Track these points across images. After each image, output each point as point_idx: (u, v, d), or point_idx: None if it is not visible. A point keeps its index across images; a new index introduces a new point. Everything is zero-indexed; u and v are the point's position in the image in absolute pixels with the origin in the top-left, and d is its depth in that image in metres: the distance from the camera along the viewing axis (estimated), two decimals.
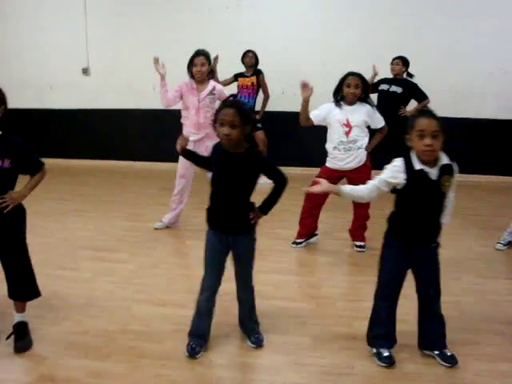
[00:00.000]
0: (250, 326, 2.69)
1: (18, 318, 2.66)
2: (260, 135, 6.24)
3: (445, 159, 2.31)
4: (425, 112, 2.37)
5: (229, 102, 2.44)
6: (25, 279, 2.60)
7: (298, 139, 6.52)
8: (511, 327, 2.86)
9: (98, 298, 3.17)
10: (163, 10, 6.76)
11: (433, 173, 2.29)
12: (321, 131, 4.05)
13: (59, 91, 7.14)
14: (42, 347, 2.62)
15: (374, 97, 5.70)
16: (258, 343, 2.64)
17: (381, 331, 2.54)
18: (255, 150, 2.47)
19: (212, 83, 4.31)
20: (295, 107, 6.49)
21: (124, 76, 6.87)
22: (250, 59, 6.14)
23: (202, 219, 4.62)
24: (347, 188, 2.55)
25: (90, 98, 7.02)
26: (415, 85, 5.82)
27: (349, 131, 3.82)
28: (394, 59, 5.81)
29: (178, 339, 2.66)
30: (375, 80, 5.88)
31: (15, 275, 2.57)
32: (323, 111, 3.91)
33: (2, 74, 7.38)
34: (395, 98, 5.78)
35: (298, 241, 4.14)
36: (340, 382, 2.40)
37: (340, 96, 3.86)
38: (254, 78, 6.15)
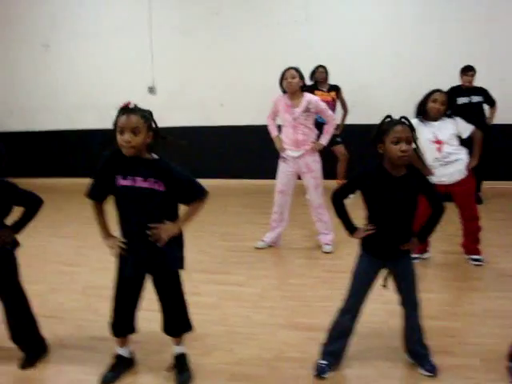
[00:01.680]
0: (421, 353, 2.54)
1: (177, 349, 2.58)
2: (340, 149, 6.15)
3: None
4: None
5: (397, 119, 2.30)
6: (179, 313, 2.51)
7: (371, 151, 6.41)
8: None
9: (237, 324, 3.06)
10: (229, 25, 6.75)
11: None
12: None
13: None
14: (205, 380, 2.51)
15: None
16: (434, 371, 2.48)
17: None
18: (417, 171, 2.36)
19: (307, 97, 4.17)
20: (364, 119, 6.45)
21: (191, 94, 6.86)
22: (321, 74, 6.09)
23: (302, 236, 4.59)
24: None
25: (156, 116, 6.97)
26: (486, 90, 5.70)
27: (440, 147, 3.72)
28: (467, 69, 5.61)
29: (344, 366, 2.55)
30: None
31: (170, 310, 2.48)
32: None
33: (67, 94, 7.44)
34: (478, 107, 5.64)
35: (413, 256, 4.00)
36: None
37: (423, 111, 3.77)
38: (333, 94, 6.10)
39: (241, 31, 6.74)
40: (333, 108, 6.08)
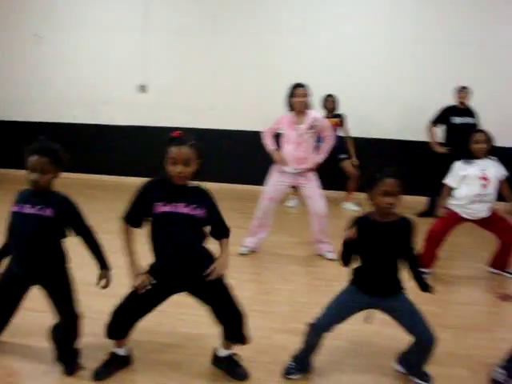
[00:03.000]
0: (417, 363, 2.60)
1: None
2: (347, 165, 6.27)
3: None
4: None
5: (390, 171, 2.34)
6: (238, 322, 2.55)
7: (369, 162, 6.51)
8: None
9: None
10: (225, 31, 6.77)
11: None
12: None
13: (114, 107, 7.09)
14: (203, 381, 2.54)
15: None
16: (429, 381, 2.59)
17: None
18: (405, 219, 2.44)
19: (312, 114, 4.23)
20: (358, 132, 6.57)
21: (181, 95, 6.85)
22: (330, 103, 6.23)
23: (291, 243, 4.64)
24: None
25: (146, 115, 6.98)
26: (476, 113, 5.84)
27: (485, 185, 3.91)
28: (463, 88, 5.78)
29: (338, 370, 2.61)
30: None
31: (228, 319, 2.53)
32: (457, 175, 4.01)
33: (56, 86, 7.34)
34: (468, 129, 5.67)
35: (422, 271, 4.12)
36: None
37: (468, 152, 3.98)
38: (337, 120, 6.24)
39: (234, 38, 6.75)
40: (334, 131, 6.20)
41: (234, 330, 2.53)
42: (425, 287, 2.52)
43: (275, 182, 4.34)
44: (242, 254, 4.41)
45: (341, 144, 6.09)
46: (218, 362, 2.63)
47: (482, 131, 3.98)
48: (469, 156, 3.96)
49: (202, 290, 2.46)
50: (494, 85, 6.44)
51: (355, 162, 6.31)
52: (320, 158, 4.34)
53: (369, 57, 6.62)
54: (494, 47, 6.48)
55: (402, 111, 6.67)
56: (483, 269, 4.34)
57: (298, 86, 4.15)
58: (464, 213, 4.01)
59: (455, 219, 4.05)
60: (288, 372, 2.59)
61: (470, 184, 3.94)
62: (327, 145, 4.34)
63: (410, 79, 6.58)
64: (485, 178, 3.90)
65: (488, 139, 3.91)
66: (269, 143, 4.37)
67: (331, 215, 4.52)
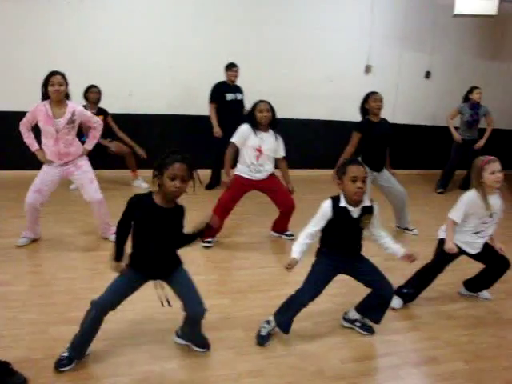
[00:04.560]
0: (194, 334, 2.74)
1: None
2: (119, 146, 6.09)
3: (367, 201, 2.77)
4: (354, 160, 2.78)
5: (179, 157, 2.36)
6: None
7: (154, 140, 6.47)
8: None
9: (1, 327, 2.84)
10: None
11: (355, 211, 2.73)
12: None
13: None
14: None
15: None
16: (207, 347, 2.76)
17: None
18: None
19: (71, 107, 3.94)
20: (141, 109, 6.49)
21: None
22: (95, 94, 5.83)
23: (74, 229, 4.44)
24: (298, 254, 2.75)
25: None
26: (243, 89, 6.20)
27: (258, 156, 4.19)
28: (234, 66, 6.02)
29: (118, 353, 2.61)
30: None
31: None
32: (242, 135, 4.19)
33: None
34: (241, 105, 6.11)
35: (208, 240, 4.31)
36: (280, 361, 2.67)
37: (254, 121, 4.17)
38: (101, 117, 5.80)
39: (6, 5, 5.90)
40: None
41: None
42: (199, 234, 2.56)
43: (46, 173, 4.05)
44: (21, 246, 4.08)
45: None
46: None
47: (265, 101, 4.16)
48: (254, 125, 4.16)
49: None
50: (262, 59, 6.92)
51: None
52: (89, 145, 4.19)
53: (152, 32, 6.51)
54: (261, 25, 6.91)
55: (182, 86, 6.76)
56: (265, 233, 4.70)
57: (53, 73, 3.84)
58: (248, 176, 4.25)
59: (242, 185, 4.25)
60: (60, 364, 2.47)
61: (246, 153, 4.20)
62: (97, 132, 4.20)
63: (189, 55, 6.68)
64: (259, 150, 4.17)
65: (271, 108, 4.15)
66: (29, 142, 4.01)
67: (120, 195, 4.38)
